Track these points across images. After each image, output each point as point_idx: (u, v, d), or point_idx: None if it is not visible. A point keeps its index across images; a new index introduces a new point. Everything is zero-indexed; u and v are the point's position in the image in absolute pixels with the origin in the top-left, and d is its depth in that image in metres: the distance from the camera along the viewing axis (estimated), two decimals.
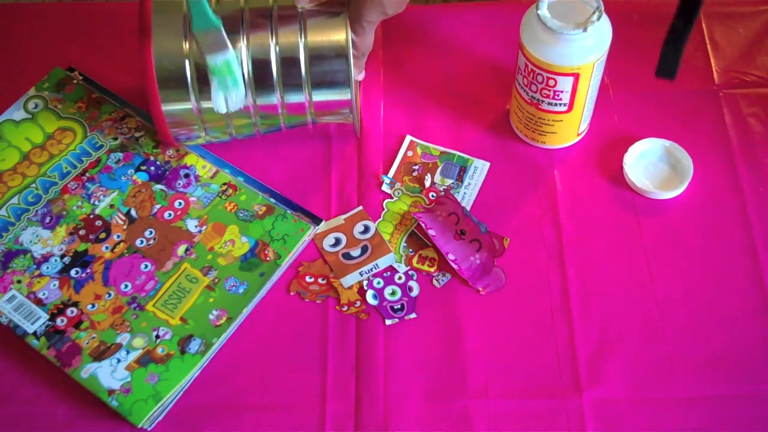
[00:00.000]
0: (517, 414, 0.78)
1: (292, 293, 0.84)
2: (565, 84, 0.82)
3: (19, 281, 0.83)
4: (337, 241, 0.86)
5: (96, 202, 0.87)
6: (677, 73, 0.79)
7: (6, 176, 0.89)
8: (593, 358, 0.80)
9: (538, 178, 0.90)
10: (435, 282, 0.84)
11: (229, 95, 0.83)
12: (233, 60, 0.81)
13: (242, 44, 0.82)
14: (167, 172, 0.89)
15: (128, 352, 0.80)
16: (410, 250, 0.86)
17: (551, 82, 0.83)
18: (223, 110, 0.83)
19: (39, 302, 0.82)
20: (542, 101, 0.85)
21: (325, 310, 0.83)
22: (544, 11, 0.80)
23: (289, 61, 0.82)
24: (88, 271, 0.84)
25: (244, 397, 0.79)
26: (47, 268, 0.84)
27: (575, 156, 0.91)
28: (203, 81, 0.82)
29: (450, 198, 0.88)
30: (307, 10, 0.83)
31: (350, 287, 0.84)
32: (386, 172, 0.91)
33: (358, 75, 0.91)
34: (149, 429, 0.77)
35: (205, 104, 0.83)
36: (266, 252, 0.85)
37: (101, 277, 0.83)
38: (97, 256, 0.84)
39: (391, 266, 0.85)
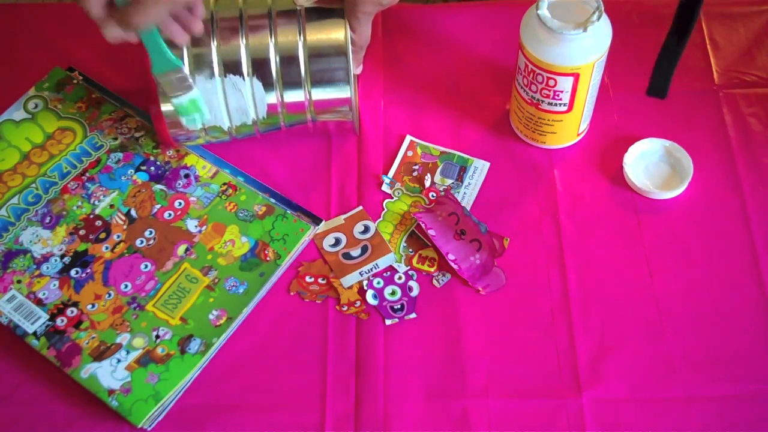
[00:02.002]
0: (517, 414, 0.78)
1: (292, 293, 0.84)
2: (565, 84, 0.82)
3: (19, 281, 0.83)
4: (337, 241, 0.86)
5: (96, 202, 0.87)
6: (668, 93, 0.79)
7: (6, 176, 0.89)
8: (593, 358, 0.80)
9: (538, 178, 0.90)
10: (435, 282, 0.84)
11: (198, 124, 0.84)
12: (198, 97, 0.81)
13: (241, 43, 0.82)
14: (167, 172, 0.89)
15: (128, 352, 0.80)
16: (410, 250, 0.86)
17: (551, 82, 0.83)
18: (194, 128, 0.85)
19: (39, 302, 0.82)
20: (542, 101, 0.85)
21: (325, 310, 0.83)
22: (544, 11, 0.80)
23: (288, 60, 0.82)
24: (88, 271, 0.84)
25: (244, 397, 0.79)
26: (47, 268, 0.84)
27: (575, 156, 0.91)
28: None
29: (450, 198, 0.88)
30: (305, 8, 0.83)
31: (350, 287, 0.84)
32: (386, 172, 0.91)
33: (356, 69, 0.91)
34: (149, 429, 0.77)
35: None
36: (266, 252, 0.85)
37: (101, 277, 0.83)
38: (97, 256, 0.84)
39: (391, 266, 0.85)
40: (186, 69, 0.80)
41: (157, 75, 0.80)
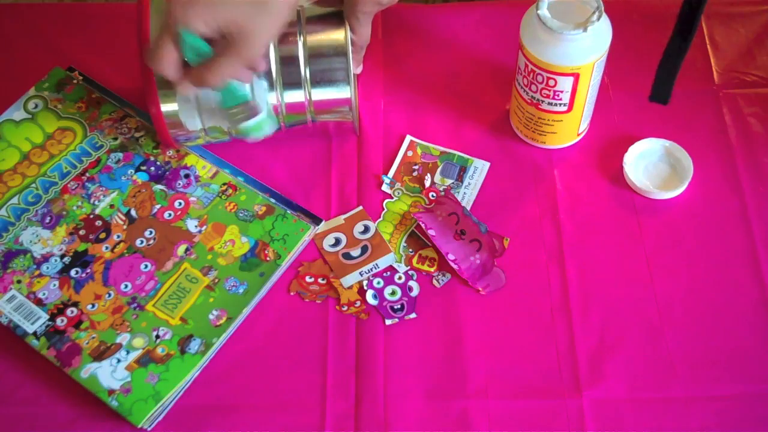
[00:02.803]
0: (517, 414, 0.78)
1: (292, 293, 0.84)
2: (565, 84, 0.82)
3: (19, 281, 0.83)
4: (337, 241, 0.86)
5: (96, 202, 0.87)
6: (670, 99, 0.79)
7: (6, 176, 0.89)
8: (593, 358, 0.80)
9: (538, 178, 0.90)
10: (435, 282, 0.84)
11: (261, 137, 0.84)
12: (264, 119, 0.81)
13: None
14: (167, 173, 0.89)
15: (128, 352, 0.80)
16: (410, 250, 0.86)
17: (551, 82, 0.83)
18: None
19: (39, 302, 0.82)
20: (542, 101, 0.85)
21: (325, 310, 0.83)
22: (544, 11, 0.80)
23: (288, 60, 0.82)
24: (88, 271, 0.84)
25: (244, 397, 0.79)
26: (47, 268, 0.84)
27: (575, 156, 0.91)
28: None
29: (450, 198, 0.88)
30: (305, 8, 0.83)
31: (350, 287, 0.84)
32: (386, 172, 0.91)
33: (356, 69, 0.91)
34: (149, 429, 0.77)
35: (205, 105, 0.83)
36: (266, 252, 0.85)
37: (101, 277, 0.83)
38: (97, 256, 0.84)
39: (391, 266, 0.85)
40: (255, 100, 0.80)
41: (226, 110, 0.80)
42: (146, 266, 0.84)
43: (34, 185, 0.88)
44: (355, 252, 0.86)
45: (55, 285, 0.83)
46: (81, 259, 0.84)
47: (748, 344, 0.80)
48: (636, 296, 0.83)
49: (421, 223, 0.86)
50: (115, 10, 1.03)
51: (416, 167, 0.91)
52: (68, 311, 0.82)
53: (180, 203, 0.88)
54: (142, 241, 0.85)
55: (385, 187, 0.90)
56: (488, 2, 1.07)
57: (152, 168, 0.89)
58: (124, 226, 0.86)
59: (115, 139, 0.91)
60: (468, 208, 0.88)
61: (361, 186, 0.90)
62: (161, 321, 0.81)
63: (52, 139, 0.91)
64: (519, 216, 0.88)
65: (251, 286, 0.83)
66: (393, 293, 0.84)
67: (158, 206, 0.87)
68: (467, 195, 0.89)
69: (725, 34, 0.98)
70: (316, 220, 0.87)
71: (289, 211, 0.87)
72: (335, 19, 0.83)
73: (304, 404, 0.79)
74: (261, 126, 0.82)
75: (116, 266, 0.84)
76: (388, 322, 0.82)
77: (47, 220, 0.86)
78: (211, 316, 0.82)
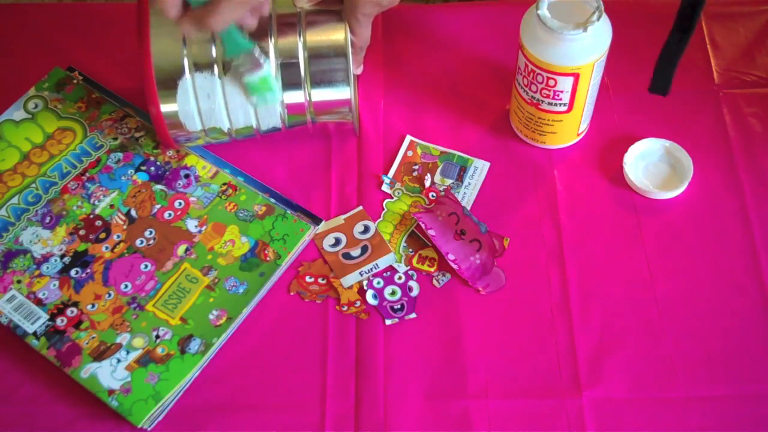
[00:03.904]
0: (517, 414, 0.78)
1: (292, 293, 0.84)
2: (565, 84, 0.82)
3: (19, 281, 0.83)
4: (337, 241, 0.86)
5: (96, 202, 0.87)
6: (670, 90, 0.79)
7: (6, 176, 0.89)
8: (593, 358, 0.80)
9: (538, 178, 0.90)
10: (435, 282, 0.84)
11: (269, 103, 0.84)
12: (269, 75, 0.81)
13: None
14: (167, 173, 0.89)
15: (128, 352, 0.80)
16: (410, 250, 0.86)
17: (551, 82, 0.83)
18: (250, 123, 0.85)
19: (39, 302, 0.82)
20: (542, 101, 0.85)
21: (325, 310, 0.83)
22: (544, 11, 0.80)
23: (288, 61, 0.82)
24: (88, 271, 0.84)
25: (244, 397, 0.79)
26: (47, 268, 0.84)
27: (575, 156, 0.91)
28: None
29: (450, 198, 0.88)
30: (305, 10, 0.83)
31: (350, 287, 0.84)
32: (386, 172, 0.91)
33: (356, 69, 0.91)
34: (149, 429, 0.77)
35: (205, 105, 0.83)
36: (266, 252, 0.85)
37: (101, 277, 0.83)
38: (97, 256, 0.84)
39: (391, 266, 0.85)
40: (257, 50, 0.80)
41: (230, 58, 0.80)
42: (146, 266, 0.84)
43: (34, 185, 0.88)
44: (355, 252, 0.86)
45: (55, 285, 0.83)
46: (81, 259, 0.84)
47: (748, 344, 0.80)
48: (636, 296, 0.83)
49: (421, 223, 0.86)
50: (115, 10, 1.03)
51: (416, 167, 0.91)
52: (68, 311, 0.82)
53: (180, 203, 0.88)
54: (142, 241, 0.85)
55: (385, 187, 0.90)
56: (488, 2, 1.07)
57: (152, 168, 0.89)
58: (124, 226, 0.86)
59: (115, 139, 0.91)
60: (468, 208, 0.88)
61: (361, 186, 0.90)
62: (161, 321, 0.81)
63: (52, 139, 0.91)
64: (519, 216, 0.88)
65: (251, 286, 0.83)
66: (393, 293, 0.84)
67: (158, 206, 0.87)
68: (467, 195, 0.89)
69: (725, 34, 0.98)
70: (316, 220, 0.87)
71: (289, 211, 0.87)
72: (335, 19, 0.83)
73: (304, 404, 0.79)
74: (268, 83, 0.81)
75: (116, 266, 0.84)
76: (388, 322, 0.82)
77: (47, 220, 0.86)
78: (211, 316, 0.82)
